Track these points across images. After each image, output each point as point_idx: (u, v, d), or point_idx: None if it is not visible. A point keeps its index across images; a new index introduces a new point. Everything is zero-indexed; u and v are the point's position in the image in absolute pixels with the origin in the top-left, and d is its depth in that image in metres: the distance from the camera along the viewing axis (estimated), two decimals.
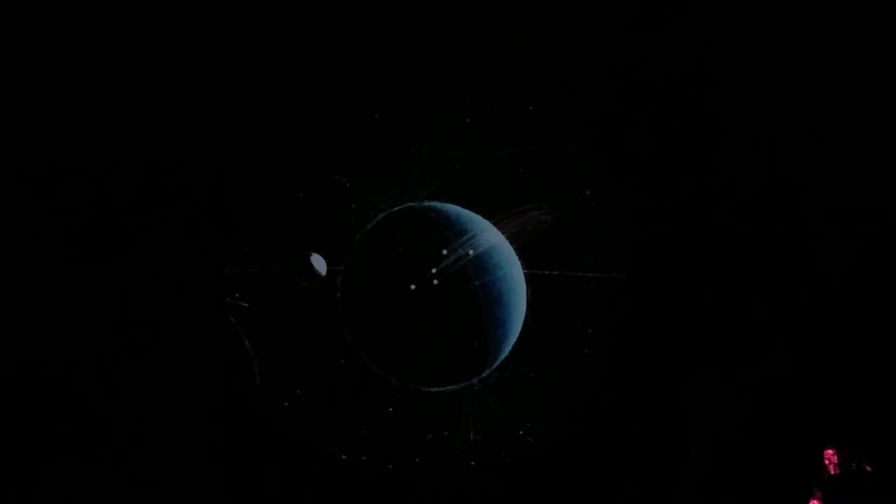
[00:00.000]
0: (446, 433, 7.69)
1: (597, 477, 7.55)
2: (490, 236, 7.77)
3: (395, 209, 7.79)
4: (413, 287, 7.45)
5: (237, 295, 7.54)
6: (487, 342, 7.61)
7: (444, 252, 7.52)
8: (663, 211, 8.00)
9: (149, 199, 7.79)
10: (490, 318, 7.56)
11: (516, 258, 7.80)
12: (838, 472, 6.74)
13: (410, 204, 7.79)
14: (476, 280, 7.56)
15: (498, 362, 7.67)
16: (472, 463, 7.59)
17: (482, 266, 7.62)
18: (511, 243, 7.83)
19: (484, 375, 7.66)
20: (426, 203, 7.83)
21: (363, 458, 7.64)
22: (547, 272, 7.77)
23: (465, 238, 7.59)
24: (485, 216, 7.85)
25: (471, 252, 7.57)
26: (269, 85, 7.88)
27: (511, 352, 7.68)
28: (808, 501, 6.75)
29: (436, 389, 7.63)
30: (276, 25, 7.84)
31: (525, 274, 7.75)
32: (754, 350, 7.52)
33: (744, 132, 8.01)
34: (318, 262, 7.59)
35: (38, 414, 7.43)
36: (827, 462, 6.76)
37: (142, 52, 7.75)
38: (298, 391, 7.66)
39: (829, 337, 7.52)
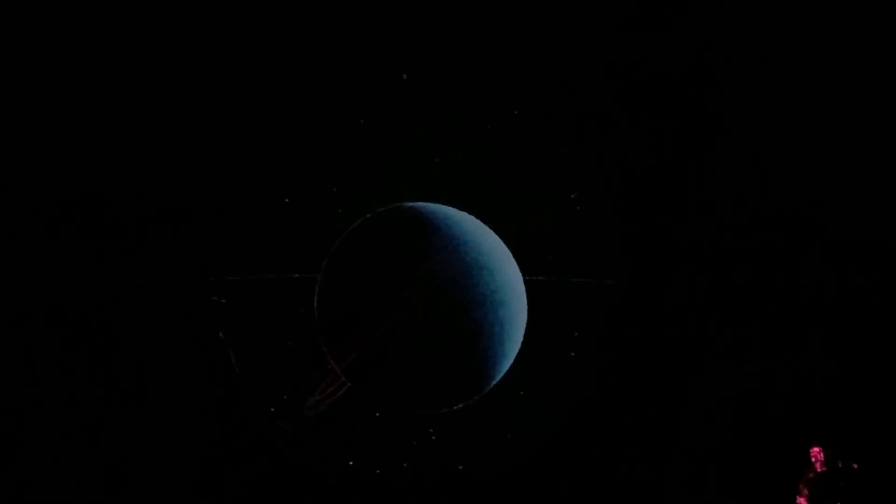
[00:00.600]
0: (434, 437, 7.80)
1: (585, 479, 7.68)
2: (483, 240, 7.76)
3: (381, 210, 7.71)
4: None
5: (222, 300, 7.61)
6: (485, 359, 7.49)
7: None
8: (661, 213, 8.12)
9: (134, 204, 7.93)
10: (488, 334, 7.43)
11: (513, 263, 7.73)
12: (824, 469, 6.88)
13: (398, 204, 7.72)
14: (471, 290, 7.39)
15: (498, 378, 7.55)
16: (461, 467, 7.68)
17: (476, 275, 7.49)
18: (508, 246, 7.76)
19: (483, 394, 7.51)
20: (415, 203, 7.76)
21: (350, 462, 7.72)
22: (532, 278, 7.82)
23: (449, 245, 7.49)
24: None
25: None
26: (264, 86, 8.03)
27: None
28: (796, 499, 6.88)
29: (431, 412, 7.52)
30: (274, 25, 7.99)
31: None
32: (740, 352, 7.65)
33: (743, 134, 8.11)
34: None
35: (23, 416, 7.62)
36: (813, 460, 6.90)
37: (136, 51, 7.89)
38: (285, 396, 7.72)
39: (817, 339, 7.64)
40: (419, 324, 7.30)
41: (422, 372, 7.41)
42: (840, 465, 6.82)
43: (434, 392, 7.48)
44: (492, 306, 7.51)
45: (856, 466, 6.86)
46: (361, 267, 7.46)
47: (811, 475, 6.89)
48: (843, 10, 7.79)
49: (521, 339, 7.63)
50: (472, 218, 7.75)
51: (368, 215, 7.66)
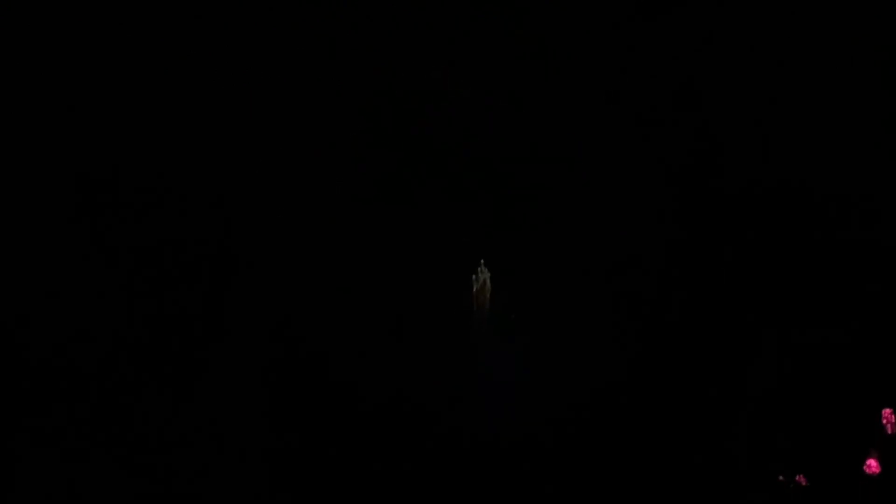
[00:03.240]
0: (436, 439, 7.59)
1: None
2: None
3: None
4: None
5: None
6: None
7: None
8: (664, 214, 8.25)
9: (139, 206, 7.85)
10: None
11: None
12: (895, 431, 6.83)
13: None
14: None
15: None
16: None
17: None
18: None
19: None
20: None
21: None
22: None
23: None
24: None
25: None
26: (264, 87, 8.11)
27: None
28: (865, 460, 6.79)
29: None
30: (273, 26, 8.15)
31: None
32: (812, 314, 7.68)
33: (744, 135, 8.38)
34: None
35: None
36: (885, 422, 6.85)
37: (137, 53, 7.96)
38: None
39: (888, 300, 7.71)
40: None
41: None
42: None
43: None
44: None
45: None
46: None
47: (882, 437, 6.83)
48: (843, 10, 8.22)
49: None
50: None
51: None
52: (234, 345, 7.55)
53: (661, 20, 8.30)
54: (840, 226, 7.97)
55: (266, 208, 7.96)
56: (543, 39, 8.27)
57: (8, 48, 7.67)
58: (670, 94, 8.34)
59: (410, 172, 8.10)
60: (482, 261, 7.77)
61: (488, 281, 7.75)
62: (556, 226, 8.15)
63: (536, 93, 8.28)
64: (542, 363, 7.66)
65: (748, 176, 8.22)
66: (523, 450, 7.38)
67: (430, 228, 8.03)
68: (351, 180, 8.07)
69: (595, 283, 7.88)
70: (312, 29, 8.06)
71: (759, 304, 7.78)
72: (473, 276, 7.77)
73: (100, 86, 7.86)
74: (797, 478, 6.89)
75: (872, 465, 6.75)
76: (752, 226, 8.03)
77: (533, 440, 7.41)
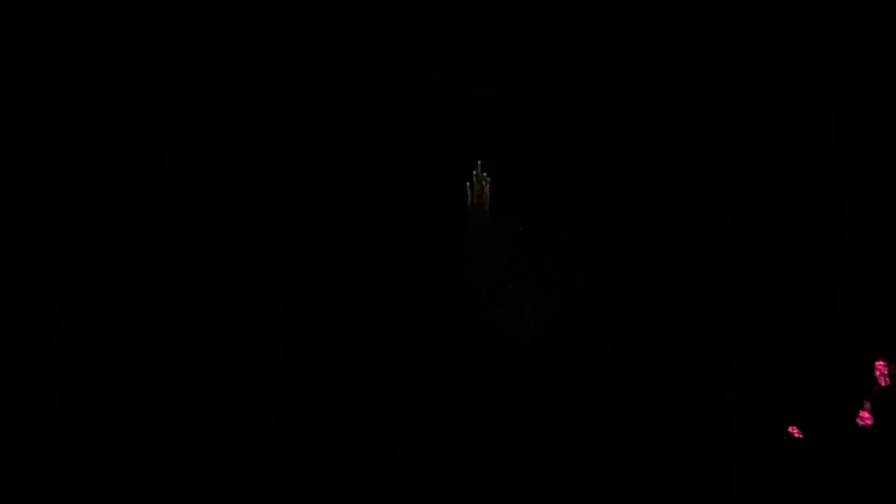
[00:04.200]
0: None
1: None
2: None
3: None
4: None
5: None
6: None
7: None
8: (668, 212, 8.24)
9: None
10: None
11: None
12: (889, 383, 6.72)
13: None
14: None
15: None
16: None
17: None
18: None
19: None
20: None
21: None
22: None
23: None
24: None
25: None
26: (264, 87, 8.26)
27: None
28: (858, 413, 6.68)
29: None
30: (273, 25, 8.33)
31: None
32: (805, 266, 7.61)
33: (744, 134, 8.39)
34: None
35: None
36: (878, 374, 6.74)
37: (137, 53, 8.15)
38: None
39: (881, 252, 7.63)
40: None
41: None
42: None
43: None
44: None
45: None
46: None
47: (875, 389, 6.72)
48: (843, 10, 8.28)
49: None
50: None
51: None
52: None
53: (661, 20, 8.38)
54: (840, 216, 7.95)
55: (266, 208, 8.02)
56: (543, 39, 8.37)
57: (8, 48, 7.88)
58: (670, 94, 8.39)
59: (410, 172, 8.16)
60: (479, 162, 7.59)
61: (487, 189, 7.52)
62: (553, 225, 8.15)
63: (536, 93, 8.36)
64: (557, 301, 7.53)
65: (747, 174, 8.22)
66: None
67: (429, 227, 8.06)
68: (351, 179, 8.13)
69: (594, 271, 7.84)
70: (313, 29, 8.21)
71: (755, 263, 7.72)
72: (468, 183, 7.62)
73: (101, 85, 8.02)
74: (790, 429, 6.78)
75: (865, 417, 6.65)
76: (751, 218, 8.01)
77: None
